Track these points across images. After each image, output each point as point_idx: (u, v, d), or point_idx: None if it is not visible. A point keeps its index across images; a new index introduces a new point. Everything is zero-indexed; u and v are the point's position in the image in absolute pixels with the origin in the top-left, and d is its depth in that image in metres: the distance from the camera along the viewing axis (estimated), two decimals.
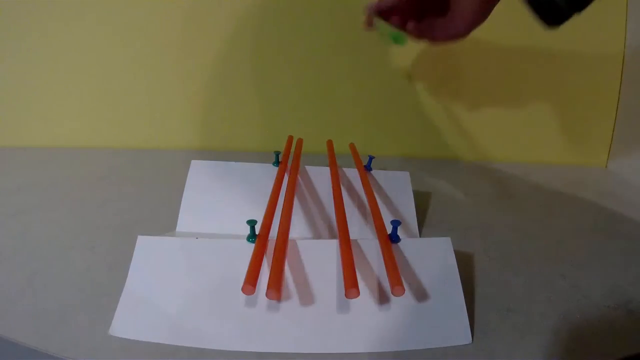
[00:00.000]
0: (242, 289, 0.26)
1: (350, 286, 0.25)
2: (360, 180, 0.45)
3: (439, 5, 0.40)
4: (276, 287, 0.24)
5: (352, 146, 0.51)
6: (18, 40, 0.64)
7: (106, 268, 0.36)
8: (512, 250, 0.41)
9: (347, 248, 0.30)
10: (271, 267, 0.26)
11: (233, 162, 0.45)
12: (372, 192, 0.38)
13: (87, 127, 0.69)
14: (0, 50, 0.64)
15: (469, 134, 0.68)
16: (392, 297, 0.30)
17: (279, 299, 0.24)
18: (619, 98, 0.65)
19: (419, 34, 0.41)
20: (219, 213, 0.42)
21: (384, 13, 0.42)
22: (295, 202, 0.39)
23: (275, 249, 0.27)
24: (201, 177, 0.44)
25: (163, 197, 0.50)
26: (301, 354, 0.28)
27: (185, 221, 0.41)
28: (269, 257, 0.32)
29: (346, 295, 0.25)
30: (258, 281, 0.28)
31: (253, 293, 0.27)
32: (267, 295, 0.24)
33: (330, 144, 0.50)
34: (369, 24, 0.42)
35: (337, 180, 0.41)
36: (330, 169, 0.43)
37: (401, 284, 0.25)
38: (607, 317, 0.32)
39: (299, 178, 0.45)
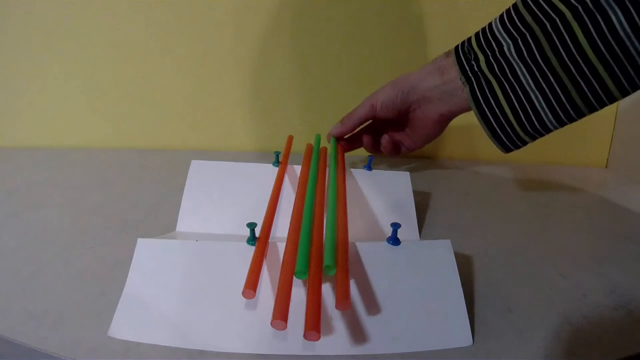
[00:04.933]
0: (243, 293, 0.27)
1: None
2: (357, 181, 0.45)
3: (397, 124, 0.47)
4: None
5: (340, 146, 0.51)
6: (17, 40, 0.64)
7: (106, 268, 0.36)
8: (512, 250, 0.41)
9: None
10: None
11: (233, 162, 0.45)
12: (344, 193, 0.39)
13: (86, 127, 0.69)
14: None
15: (469, 134, 0.68)
16: (393, 300, 0.30)
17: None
18: None
19: (389, 153, 0.49)
20: (219, 213, 0.42)
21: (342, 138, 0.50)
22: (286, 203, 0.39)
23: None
24: (201, 177, 0.44)
25: (163, 197, 0.50)
26: (302, 356, 0.28)
27: (185, 221, 0.42)
28: (269, 259, 0.32)
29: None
30: (258, 284, 0.28)
31: (253, 297, 0.27)
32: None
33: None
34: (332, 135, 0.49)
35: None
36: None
37: (348, 299, 0.25)
38: (607, 317, 0.32)
39: (287, 178, 0.45)
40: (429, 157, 0.70)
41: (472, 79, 0.38)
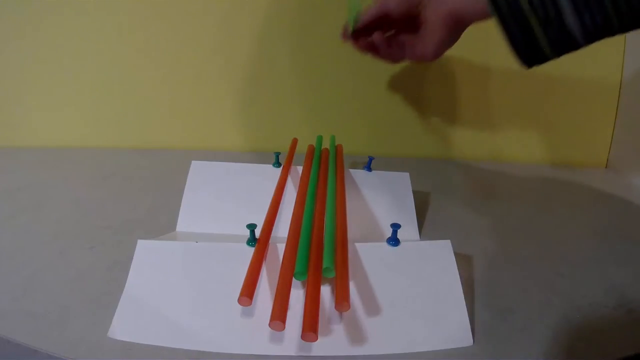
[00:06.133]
0: (239, 301, 0.26)
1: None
2: (357, 182, 0.45)
3: (411, 26, 0.42)
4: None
5: (340, 147, 0.51)
6: (17, 39, 0.64)
7: (106, 268, 0.36)
8: (511, 251, 0.41)
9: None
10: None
11: (233, 163, 0.45)
12: (344, 193, 0.39)
13: (86, 127, 0.69)
14: None
15: (469, 134, 0.68)
16: (393, 300, 0.30)
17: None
18: (619, 98, 0.65)
19: (388, 53, 0.43)
20: (218, 213, 0.42)
21: (358, 34, 0.44)
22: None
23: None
24: (201, 177, 0.44)
25: (163, 197, 0.50)
26: (301, 357, 0.28)
27: (186, 221, 0.42)
28: (268, 260, 0.32)
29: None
30: (257, 284, 0.28)
31: (250, 305, 0.27)
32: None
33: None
34: (346, 37, 0.45)
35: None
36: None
37: (347, 301, 0.25)
38: (607, 317, 0.32)
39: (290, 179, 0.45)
40: (429, 157, 0.70)
41: None
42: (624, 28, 0.29)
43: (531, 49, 0.32)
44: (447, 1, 0.37)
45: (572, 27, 0.30)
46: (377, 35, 0.43)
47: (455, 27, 0.39)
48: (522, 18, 0.31)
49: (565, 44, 0.31)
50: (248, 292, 0.27)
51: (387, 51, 0.43)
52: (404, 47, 0.43)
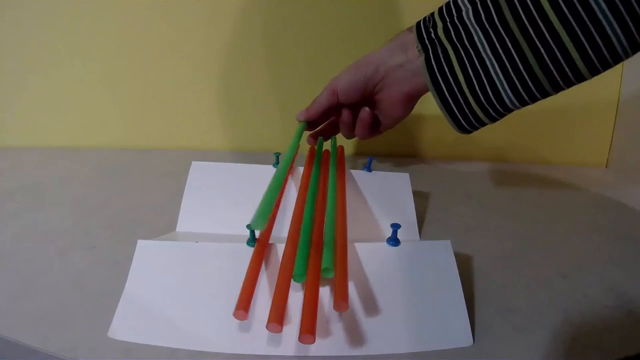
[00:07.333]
0: (234, 315, 0.26)
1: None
2: (357, 182, 0.45)
3: (367, 105, 0.43)
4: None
5: (341, 148, 0.50)
6: (18, 39, 0.64)
7: (106, 268, 0.36)
8: (512, 251, 0.41)
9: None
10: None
11: (233, 163, 0.45)
12: (344, 195, 0.39)
13: (87, 127, 0.69)
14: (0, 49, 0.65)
15: (469, 135, 0.68)
16: (393, 300, 0.30)
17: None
18: (619, 98, 0.65)
19: (363, 137, 0.45)
20: (219, 213, 0.42)
21: (313, 122, 0.47)
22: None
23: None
24: (201, 177, 0.44)
25: (163, 197, 0.50)
26: (300, 357, 0.28)
27: (186, 221, 0.42)
28: (267, 261, 0.32)
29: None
30: (257, 285, 0.28)
31: (246, 319, 0.27)
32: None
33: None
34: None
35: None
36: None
37: (346, 301, 0.25)
38: (607, 317, 0.32)
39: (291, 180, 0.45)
40: (429, 157, 0.70)
41: (429, 47, 0.35)
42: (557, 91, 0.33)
43: (470, 123, 0.36)
44: (402, 86, 0.39)
45: (510, 103, 0.33)
46: (343, 122, 0.45)
47: (411, 103, 0.41)
48: (464, 99, 0.35)
49: (503, 114, 0.35)
50: (244, 305, 0.26)
51: (351, 133, 0.46)
52: (365, 125, 0.44)
